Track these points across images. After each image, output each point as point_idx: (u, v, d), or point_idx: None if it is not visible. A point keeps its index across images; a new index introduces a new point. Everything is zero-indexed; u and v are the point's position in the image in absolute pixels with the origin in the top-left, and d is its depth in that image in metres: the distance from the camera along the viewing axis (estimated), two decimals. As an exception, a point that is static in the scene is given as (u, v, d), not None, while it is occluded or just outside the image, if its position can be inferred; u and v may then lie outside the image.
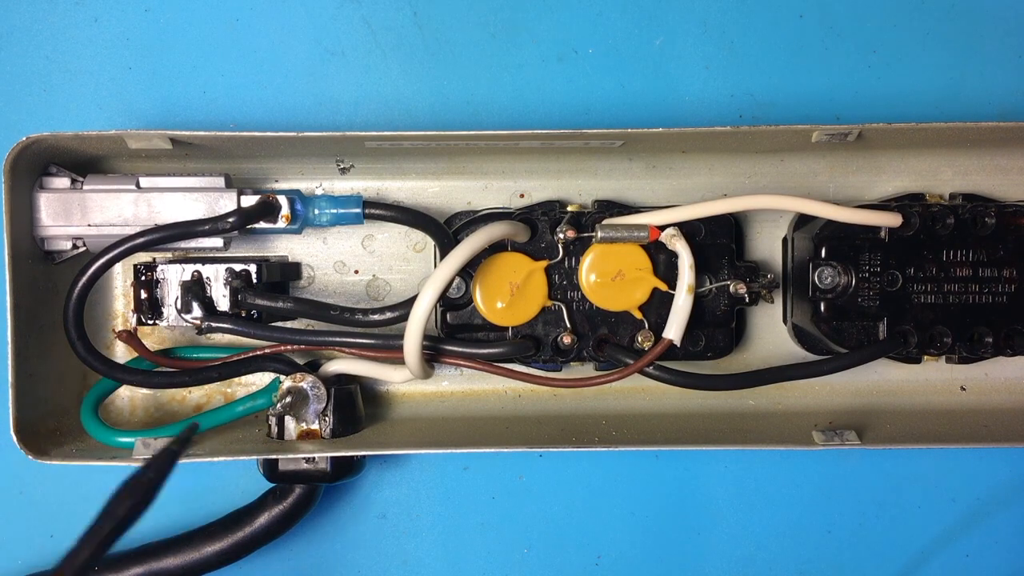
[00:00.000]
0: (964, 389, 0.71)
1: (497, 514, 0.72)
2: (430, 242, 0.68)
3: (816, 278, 0.64)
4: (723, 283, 0.65)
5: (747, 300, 0.65)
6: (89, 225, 0.62)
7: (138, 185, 0.63)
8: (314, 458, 0.63)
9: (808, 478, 0.73)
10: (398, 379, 0.66)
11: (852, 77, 0.71)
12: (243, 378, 0.69)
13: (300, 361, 0.67)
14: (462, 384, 0.71)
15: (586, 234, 0.64)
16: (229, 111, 0.69)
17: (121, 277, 0.69)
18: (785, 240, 0.70)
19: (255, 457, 0.63)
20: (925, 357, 0.66)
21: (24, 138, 0.58)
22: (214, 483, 0.70)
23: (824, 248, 0.64)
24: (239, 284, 0.63)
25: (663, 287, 0.64)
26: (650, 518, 0.72)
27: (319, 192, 0.69)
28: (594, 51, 0.70)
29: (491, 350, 0.64)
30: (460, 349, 0.64)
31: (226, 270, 0.63)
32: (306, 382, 0.63)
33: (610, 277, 0.64)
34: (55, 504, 0.70)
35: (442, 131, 0.60)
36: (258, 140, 0.61)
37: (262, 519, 0.65)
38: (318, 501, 0.66)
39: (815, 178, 0.70)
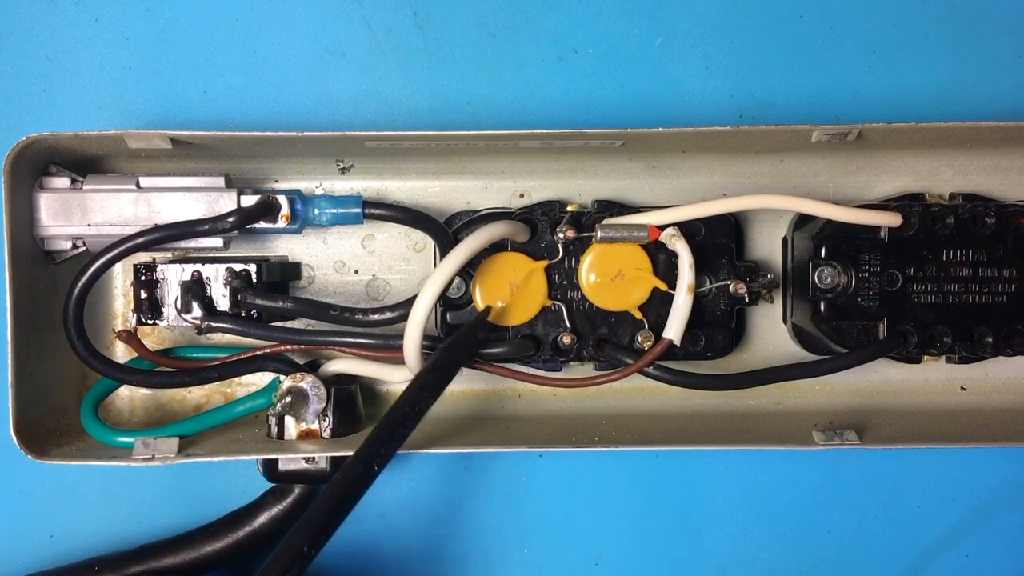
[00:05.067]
0: (964, 389, 0.71)
1: (497, 514, 0.72)
2: (430, 242, 0.68)
3: (816, 278, 0.64)
4: (723, 283, 0.65)
5: (747, 300, 0.65)
6: (89, 225, 0.62)
7: (138, 185, 0.63)
8: (314, 458, 0.63)
9: (808, 478, 0.73)
10: (398, 379, 0.66)
11: (852, 77, 0.71)
12: (243, 378, 0.69)
13: (300, 361, 0.67)
14: (462, 384, 0.71)
15: (586, 234, 0.64)
16: (229, 111, 0.69)
17: (121, 277, 0.69)
18: (785, 240, 0.70)
19: (255, 457, 0.63)
20: (925, 357, 0.66)
21: (24, 138, 0.58)
22: (214, 483, 0.70)
23: (824, 248, 0.64)
24: (239, 284, 0.63)
25: (663, 287, 0.64)
26: (650, 518, 0.72)
27: (319, 192, 0.69)
28: (594, 51, 0.70)
29: (491, 350, 0.64)
30: (460, 349, 0.64)
31: (226, 270, 0.63)
32: (306, 382, 0.63)
33: (610, 277, 0.64)
34: (55, 504, 0.70)
35: (442, 131, 0.60)
36: (258, 140, 0.61)
37: (262, 519, 0.65)
38: (318, 501, 0.66)
39: (815, 178, 0.70)
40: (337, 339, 0.64)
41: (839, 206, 0.63)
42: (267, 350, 0.64)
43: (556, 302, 0.65)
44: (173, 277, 0.63)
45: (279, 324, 0.66)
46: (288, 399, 0.63)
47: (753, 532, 0.73)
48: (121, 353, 0.69)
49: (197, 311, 0.62)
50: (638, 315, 0.65)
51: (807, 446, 0.63)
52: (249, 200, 0.63)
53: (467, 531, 0.72)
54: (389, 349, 0.63)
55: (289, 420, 0.64)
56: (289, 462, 0.63)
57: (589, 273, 0.65)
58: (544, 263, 0.64)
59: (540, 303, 0.65)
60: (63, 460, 0.61)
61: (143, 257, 0.65)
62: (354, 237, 0.70)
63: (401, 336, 0.60)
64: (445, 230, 0.65)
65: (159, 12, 0.69)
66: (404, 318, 0.61)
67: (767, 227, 0.70)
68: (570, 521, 0.72)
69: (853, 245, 0.64)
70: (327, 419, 0.64)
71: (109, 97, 0.69)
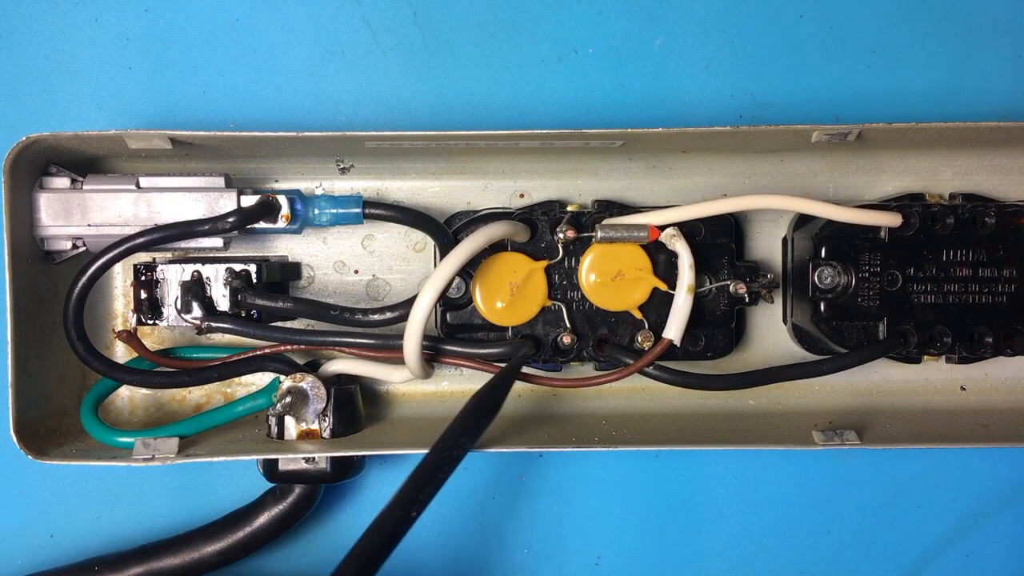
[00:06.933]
0: (964, 389, 0.71)
1: (497, 514, 0.72)
2: (430, 242, 0.68)
3: (816, 278, 0.64)
4: (723, 283, 0.65)
5: (747, 300, 0.65)
6: (89, 225, 0.62)
7: (138, 185, 0.63)
8: (314, 458, 0.63)
9: (808, 478, 0.73)
10: (398, 379, 0.66)
11: (852, 77, 0.71)
12: (243, 378, 0.69)
13: (300, 361, 0.67)
14: (462, 384, 0.71)
15: (586, 234, 0.64)
16: (229, 111, 0.69)
17: (121, 277, 0.69)
18: (785, 240, 0.70)
19: (255, 457, 0.63)
20: (925, 357, 0.66)
21: (24, 138, 0.58)
22: (214, 483, 0.70)
23: (824, 248, 0.64)
24: (239, 284, 0.63)
25: (663, 287, 0.64)
26: (650, 518, 0.72)
27: (319, 192, 0.69)
28: (594, 51, 0.70)
29: (491, 350, 0.64)
30: (460, 349, 0.64)
31: (226, 270, 0.63)
32: (306, 382, 0.63)
33: (610, 277, 0.64)
34: (55, 504, 0.70)
35: (442, 131, 0.60)
36: (258, 140, 0.61)
37: (262, 519, 0.65)
38: (318, 501, 0.66)
39: (815, 178, 0.70)
40: (337, 339, 0.64)
41: (839, 206, 0.63)
42: (267, 350, 0.64)
43: (556, 302, 0.65)
44: (173, 277, 0.63)
45: (279, 324, 0.66)
46: (288, 399, 0.63)
47: (753, 532, 0.73)
48: (121, 353, 0.69)
49: (197, 311, 0.62)
50: (638, 315, 0.65)
51: (807, 446, 0.63)
52: (249, 200, 0.63)
53: (467, 531, 0.72)
54: (389, 349, 0.63)
55: (289, 420, 0.64)
56: (289, 462, 0.63)
57: (589, 273, 0.65)
58: (544, 263, 0.64)
59: (540, 303, 0.65)
60: (63, 460, 0.61)
61: (143, 257, 0.65)
62: (354, 237, 0.70)
63: (401, 336, 0.61)
64: (445, 230, 0.65)
65: (159, 12, 0.69)
66: (404, 318, 0.61)
67: (767, 227, 0.70)
68: (570, 521, 0.72)
69: (853, 245, 0.64)
70: (327, 419, 0.64)
71: (109, 97, 0.69)
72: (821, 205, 0.63)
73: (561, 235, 0.63)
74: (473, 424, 0.56)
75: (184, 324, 0.63)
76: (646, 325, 0.65)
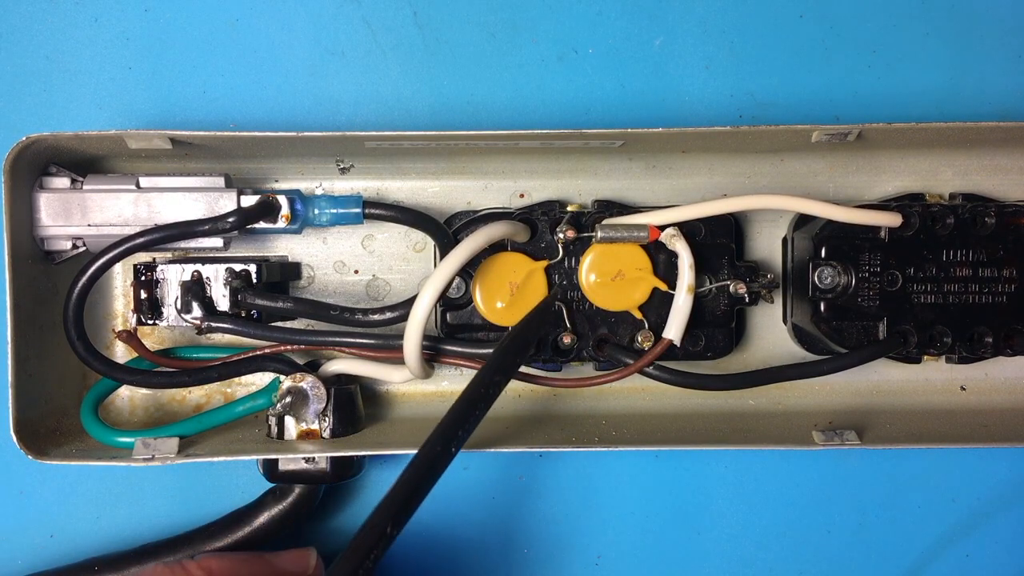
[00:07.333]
0: (964, 389, 0.71)
1: (497, 514, 0.72)
2: (430, 242, 0.68)
3: (816, 278, 0.64)
4: (723, 283, 0.65)
5: (747, 300, 0.65)
6: (89, 225, 0.62)
7: (138, 185, 0.63)
8: (314, 458, 0.63)
9: (808, 478, 0.73)
10: (398, 379, 0.66)
11: (852, 77, 0.71)
12: (243, 378, 0.69)
13: (300, 361, 0.67)
14: (462, 384, 0.70)
15: (586, 234, 0.64)
16: (229, 111, 0.69)
17: (121, 277, 0.69)
18: (785, 240, 0.70)
19: (255, 457, 0.63)
20: (925, 357, 0.66)
21: (24, 138, 0.58)
22: (214, 483, 0.70)
23: (824, 248, 0.64)
24: (239, 284, 0.63)
25: (663, 287, 0.64)
26: (650, 518, 0.72)
27: (319, 192, 0.69)
28: (594, 51, 0.70)
29: (491, 350, 0.64)
30: (460, 349, 0.64)
31: (226, 270, 0.63)
32: (306, 382, 0.63)
33: (610, 277, 0.64)
34: (55, 504, 0.70)
35: (442, 131, 0.60)
36: (258, 140, 0.61)
37: (262, 519, 0.65)
38: (318, 501, 0.66)
39: (815, 178, 0.70)
40: (337, 339, 0.64)
41: (839, 206, 0.63)
42: (267, 350, 0.64)
43: (556, 302, 0.65)
44: (173, 277, 0.63)
45: (279, 324, 0.66)
46: (288, 399, 0.63)
47: (753, 532, 0.73)
48: (121, 353, 0.69)
49: (197, 311, 0.62)
50: (638, 315, 0.65)
51: (807, 446, 0.63)
52: (249, 200, 0.63)
53: (467, 531, 0.72)
54: (389, 349, 0.63)
55: (289, 420, 0.64)
56: (289, 462, 0.63)
57: (589, 273, 0.65)
58: (544, 263, 0.64)
59: (540, 303, 0.65)
60: (63, 460, 0.61)
61: (143, 257, 0.65)
62: (354, 237, 0.70)
63: (401, 336, 0.61)
64: (445, 230, 0.65)
65: (159, 12, 0.69)
66: (404, 318, 0.61)
67: (767, 227, 0.70)
68: (570, 521, 0.72)
69: (853, 245, 0.64)
70: (327, 419, 0.64)
71: (109, 97, 0.69)
72: (821, 205, 0.63)
73: (561, 235, 0.63)
74: (509, 362, 0.57)
75: (184, 324, 0.63)
76: (646, 325, 0.65)
